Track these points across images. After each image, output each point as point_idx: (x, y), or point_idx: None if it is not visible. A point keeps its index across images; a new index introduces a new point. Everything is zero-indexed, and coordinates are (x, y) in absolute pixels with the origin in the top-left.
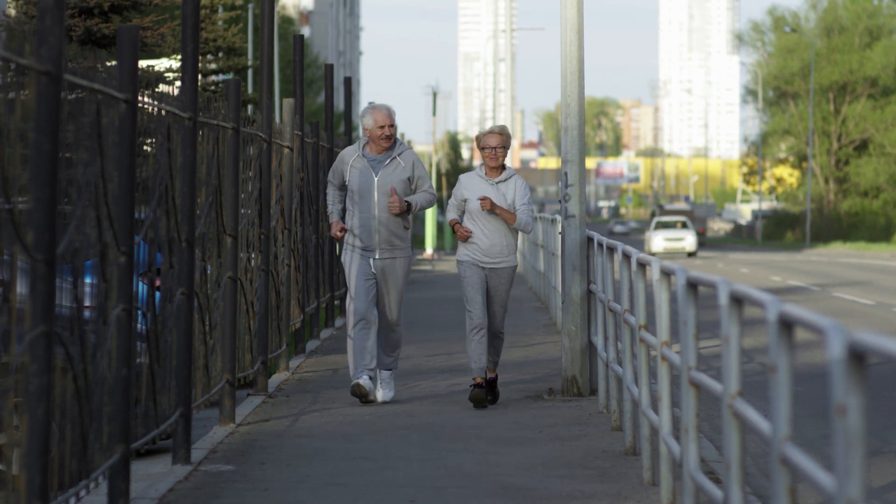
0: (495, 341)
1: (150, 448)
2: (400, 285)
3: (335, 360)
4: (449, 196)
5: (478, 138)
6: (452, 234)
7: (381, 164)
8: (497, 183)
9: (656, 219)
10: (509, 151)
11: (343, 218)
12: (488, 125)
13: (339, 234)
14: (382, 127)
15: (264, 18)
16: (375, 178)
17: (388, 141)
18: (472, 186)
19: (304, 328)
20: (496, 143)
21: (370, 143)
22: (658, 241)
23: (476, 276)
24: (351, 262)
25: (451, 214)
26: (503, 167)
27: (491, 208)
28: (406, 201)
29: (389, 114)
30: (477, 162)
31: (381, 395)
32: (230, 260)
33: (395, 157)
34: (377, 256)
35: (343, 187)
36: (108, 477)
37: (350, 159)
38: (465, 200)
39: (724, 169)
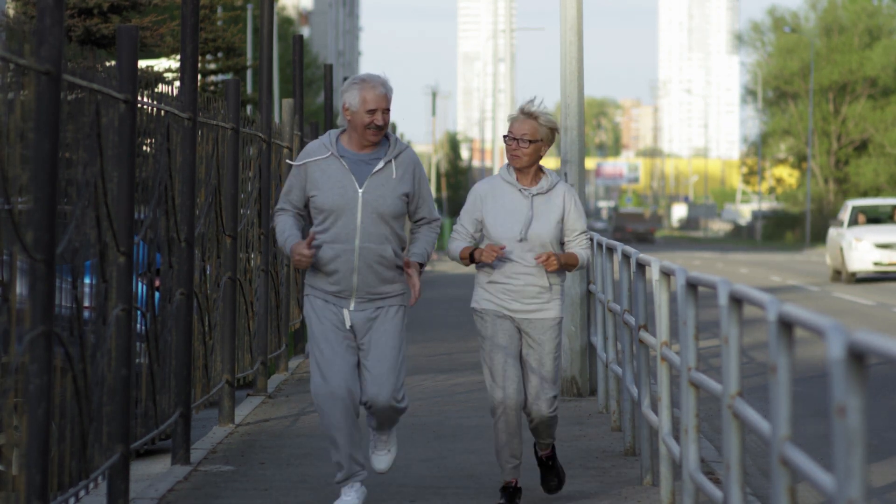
0: (541, 426)
1: (149, 448)
2: (392, 345)
3: None
4: (449, 198)
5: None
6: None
7: (367, 167)
8: (535, 195)
9: (851, 203)
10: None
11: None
12: (488, 125)
13: (307, 253)
14: (373, 111)
15: (264, 18)
16: (360, 191)
17: (377, 134)
18: (495, 200)
19: (303, 328)
20: (520, 131)
21: (350, 132)
22: (865, 249)
23: (503, 332)
24: (315, 314)
25: (459, 243)
26: (541, 170)
27: (556, 267)
28: (418, 263)
29: (385, 93)
30: (477, 163)
31: (376, 461)
32: (229, 260)
33: (389, 161)
34: (352, 308)
35: (304, 210)
36: (107, 477)
37: (319, 160)
38: (482, 224)
39: (724, 169)
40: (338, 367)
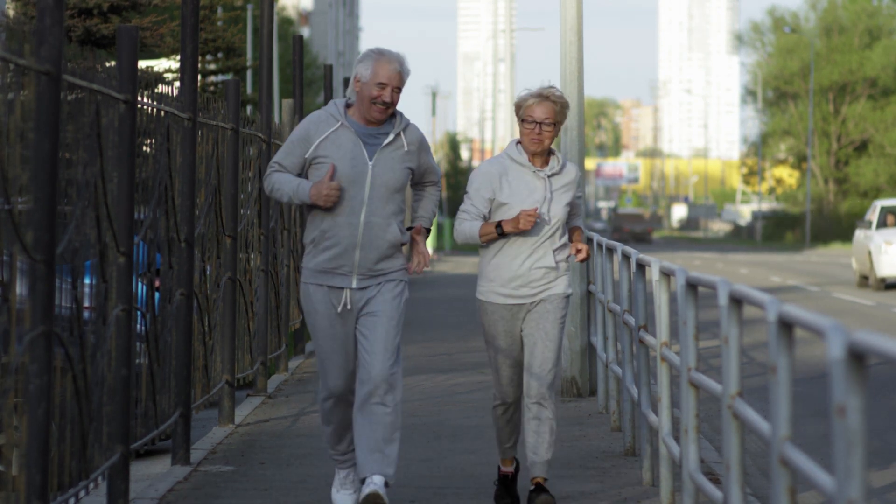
0: (541, 415)
1: (149, 448)
2: (390, 314)
3: None
4: (449, 198)
5: (518, 105)
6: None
7: (377, 140)
8: (550, 176)
9: (880, 203)
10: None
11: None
12: (488, 125)
13: (334, 184)
14: (383, 86)
15: (264, 19)
16: (370, 164)
17: (382, 112)
18: (510, 182)
19: (304, 328)
20: (542, 115)
21: (357, 105)
22: (893, 254)
23: (509, 336)
24: (313, 307)
25: (473, 223)
26: (551, 152)
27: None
28: (425, 228)
29: (399, 70)
30: (477, 163)
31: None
32: (229, 260)
33: (399, 133)
34: (355, 285)
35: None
36: (107, 477)
37: (327, 129)
38: (494, 202)
39: (724, 169)
40: (336, 363)
